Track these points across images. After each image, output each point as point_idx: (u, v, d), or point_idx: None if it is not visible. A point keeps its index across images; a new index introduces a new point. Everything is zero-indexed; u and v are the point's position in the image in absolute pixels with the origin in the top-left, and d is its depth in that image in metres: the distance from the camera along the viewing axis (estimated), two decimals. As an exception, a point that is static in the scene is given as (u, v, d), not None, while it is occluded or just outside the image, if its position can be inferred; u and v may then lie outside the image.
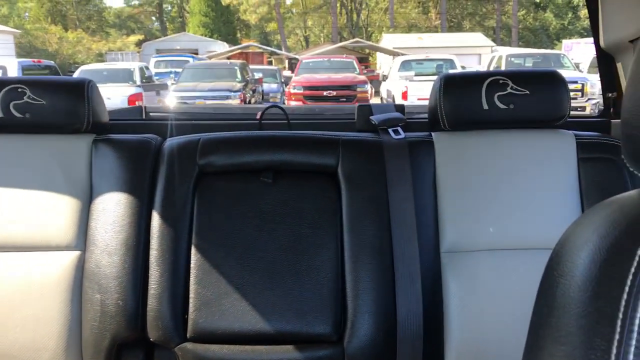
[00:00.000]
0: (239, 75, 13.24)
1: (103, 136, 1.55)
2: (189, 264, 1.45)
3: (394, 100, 12.64)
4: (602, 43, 1.61)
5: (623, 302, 0.45)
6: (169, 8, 41.84)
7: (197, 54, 24.55)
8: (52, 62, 13.01)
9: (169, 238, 1.45)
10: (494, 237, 1.44)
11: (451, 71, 12.89)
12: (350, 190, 1.47)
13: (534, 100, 1.47)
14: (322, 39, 39.20)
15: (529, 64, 13.10)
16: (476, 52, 23.55)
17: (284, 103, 14.05)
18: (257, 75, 14.80)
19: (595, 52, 1.70)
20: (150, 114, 3.47)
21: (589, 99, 10.29)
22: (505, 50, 14.93)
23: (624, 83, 1.64)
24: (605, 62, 1.69)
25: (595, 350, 0.46)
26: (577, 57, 15.87)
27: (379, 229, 1.44)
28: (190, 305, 1.43)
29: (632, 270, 0.45)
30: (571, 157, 1.48)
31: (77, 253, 1.45)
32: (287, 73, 18.72)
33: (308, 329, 1.41)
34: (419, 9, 37.09)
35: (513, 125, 1.51)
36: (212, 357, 1.40)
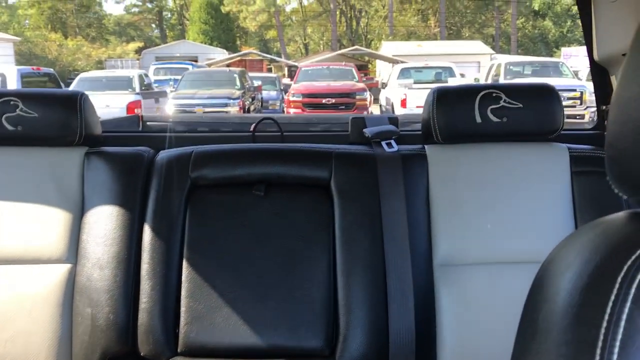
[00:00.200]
0: (238, 83, 13.25)
1: (95, 149, 1.55)
2: (181, 278, 1.44)
3: (392, 108, 12.66)
4: (596, 56, 1.61)
5: (603, 330, 0.44)
6: (169, 15, 41.98)
7: (196, 61, 24.59)
8: (52, 69, 13.02)
9: (160, 251, 1.44)
10: (486, 251, 1.43)
11: (450, 79, 12.89)
12: (342, 203, 1.47)
13: (527, 113, 1.46)
14: (321, 46, 39.32)
15: (527, 72, 13.12)
16: (475, 59, 23.60)
17: (283, 111, 14.06)
18: (257, 83, 14.82)
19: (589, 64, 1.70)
20: (147, 122, 3.48)
21: (587, 107, 10.30)
22: (504, 58, 14.95)
23: None
24: (599, 75, 1.69)
25: None
26: (576, 65, 15.90)
27: (372, 242, 1.43)
28: (182, 319, 1.42)
29: (612, 297, 0.45)
30: (564, 170, 1.48)
31: (68, 266, 1.44)
32: (286, 81, 18.75)
33: (300, 343, 1.40)
34: (418, 17, 37.21)
35: (506, 138, 1.51)
36: None
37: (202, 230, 1.47)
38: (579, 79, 12.45)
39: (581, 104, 10.38)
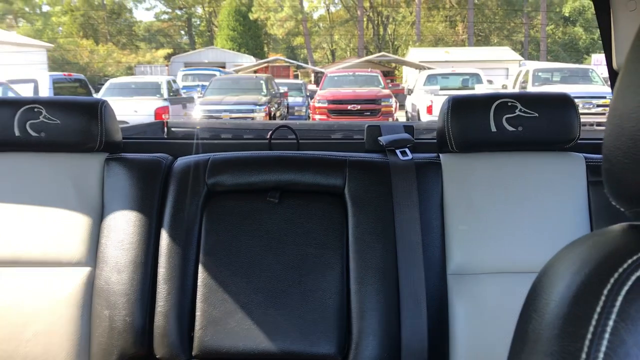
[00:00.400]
0: (264, 89, 13.35)
1: (115, 155, 1.58)
2: (196, 282, 1.47)
3: (418, 115, 12.61)
4: (614, 65, 1.59)
5: (587, 342, 0.44)
6: (198, 22, 42.49)
7: (224, 67, 24.83)
8: (82, 75, 13.30)
9: (176, 256, 1.47)
10: (501, 261, 1.42)
11: (477, 85, 12.72)
12: (356, 211, 1.47)
13: (543, 122, 1.45)
14: (348, 52, 39.36)
15: (556, 79, 12.95)
16: (503, 66, 23.36)
17: (308, 117, 14.12)
18: (283, 89, 14.91)
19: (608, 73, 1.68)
20: (172, 128, 3.55)
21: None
22: (532, 65, 14.78)
23: None
24: None
25: None
26: (606, 72, 15.62)
27: (385, 250, 1.44)
28: (197, 323, 1.44)
29: (598, 309, 0.45)
30: (581, 180, 1.46)
31: (87, 269, 1.48)
32: (312, 87, 18.82)
33: (312, 349, 1.41)
34: (446, 23, 37.03)
35: (522, 147, 1.50)
36: None
37: (218, 235, 1.49)
38: (609, 85, 12.23)
39: (611, 111, 10.17)
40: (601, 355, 0.44)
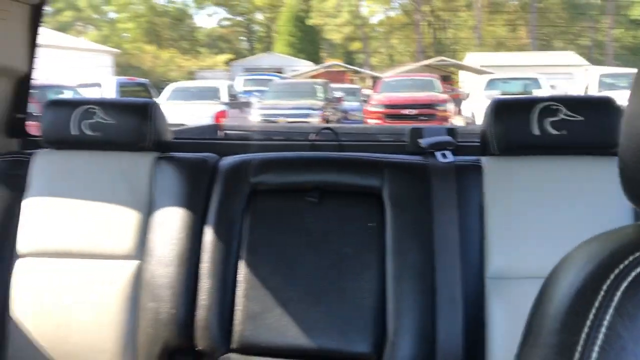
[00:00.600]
0: (320, 94, 13.45)
1: (165, 154, 1.65)
2: (237, 278, 1.51)
3: (476, 120, 12.40)
4: None
5: (583, 335, 0.45)
6: (257, 28, 43.21)
7: (281, 72, 25.16)
8: (146, 79, 13.78)
9: (219, 252, 1.51)
10: (542, 265, 1.40)
11: (538, 90, 12.40)
12: (394, 212, 1.48)
13: (587, 126, 1.42)
14: (406, 57, 39.12)
15: (623, 84, 12.47)
16: (568, 71, 22.66)
17: (363, 121, 14.11)
18: (339, 94, 14.97)
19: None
20: (226, 131, 3.65)
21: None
22: (598, 70, 14.29)
23: None
24: None
25: None
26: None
27: (422, 251, 1.44)
28: (237, 317, 1.48)
29: (596, 304, 0.46)
30: None
31: (136, 263, 1.54)
32: (367, 91, 18.80)
33: (348, 347, 1.42)
34: (508, 27, 36.24)
35: (566, 151, 1.47)
36: None
37: (259, 233, 1.53)
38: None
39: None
40: (596, 348, 0.44)
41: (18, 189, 1.61)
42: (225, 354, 1.47)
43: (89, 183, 1.61)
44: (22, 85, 1.89)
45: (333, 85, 16.06)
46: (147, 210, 1.58)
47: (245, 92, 17.24)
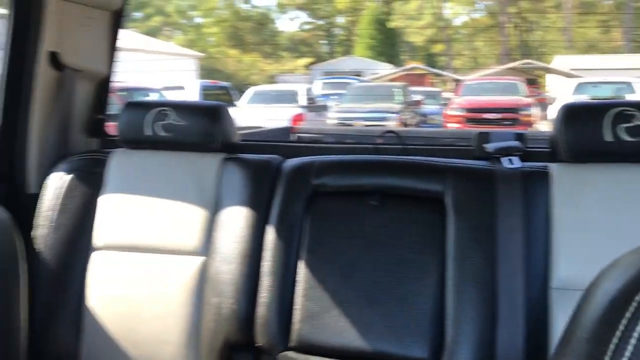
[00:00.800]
0: (398, 97, 13.35)
1: (232, 155, 1.69)
2: (297, 278, 1.52)
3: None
4: None
5: (612, 346, 0.44)
6: (338, 32, 43.48)
7: (360, 75, 25.17)
8: (228, 83, 14.21)
9: (280, 251, 1.53)
10: None
11: (628, 95, 11.72)
12: (456, 218, 1.45)
13: None
14: (491, 60, 38.12)
15: None
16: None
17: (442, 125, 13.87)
18: (418, 97, 14.81)
19: None
20: (298, 134, 3.70)
21: None
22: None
23: None
24: None
25: None
26: None
27: (484, 258, 1.40)
28: (295, 316, 1.50)
29: (628, 314, 0.44)
30: None
31: (201, 259, 1.59)
32: (447, 94, 18.46)
33: (405, 351, 1.40)
34: (601, 29, 34.54)
35: None
36: None
37: (319, 234, 1.54)
38: None
39: None
40: (624, 359, 0.44)
41: (96, 186, 1.69)
42: (283, 352, 1.49)
43: (160, 182, 1.67)
44: (103, 87, 1.99)
45: (413, 88, 15.90)
46: (213, 209, 1.62)
47: (324, 95, 17.40)
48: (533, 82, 23.33)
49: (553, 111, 14.04)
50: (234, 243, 1.56)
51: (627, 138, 1.36)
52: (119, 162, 1.71)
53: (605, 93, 13.29)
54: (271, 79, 28.78)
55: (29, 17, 1.71)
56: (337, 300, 1.47)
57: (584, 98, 11.99)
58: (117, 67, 2.00)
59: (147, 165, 1.70)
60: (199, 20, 38.53)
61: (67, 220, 1.66)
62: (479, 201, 1.45)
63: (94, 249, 1.65)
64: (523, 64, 25.13)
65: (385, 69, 28.27)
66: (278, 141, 2.29)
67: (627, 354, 0.43)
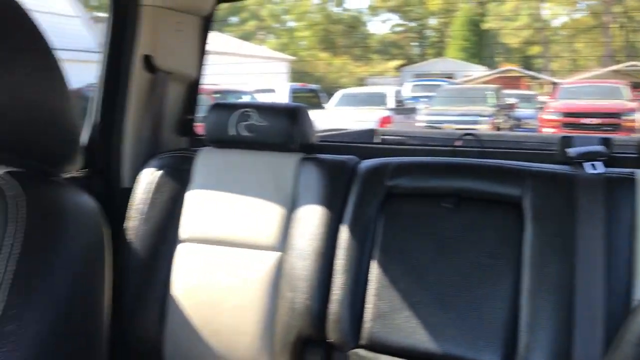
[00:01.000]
0: (491, 100, 13.00)
1: (310, 155, 1.74)
2: (369, 277, 1.54)
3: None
4: None
5: None
6: (430, 33, 42.88)
7: (452, 78, 24.69)
8: (317, 85, 14.42)
9: (353, 250, 1.56)
10: None
11: None
12: (534, 223, 1.41)
13: None
14: (592, 62, 36.21)
15: None
16: None
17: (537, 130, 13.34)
18: (512, 101, 14.34)
19: None
20: (381, 136, 3.72)
21: None
22: None
23: None
24: None
25: None
26: None
27: (562, 266, 1.35)
28: (366, 314, 1.51)
29: None
30: None
31: (278, 254, 1.64)
32: (543, 98, 17.72)
33: (476, 355, 1.38)
34: None
35: None
36: None
37: (393, 235, 1.55)
38: None
39: None
40: None
41: (184, 181, 1.79)
42: (354, 349, 1.51)
43: (242, 179, 1.74)
44: (192, 89, 2.11)
45: (507, 91, 15.41)
46: (291, 207, 1.67)
47: (413, 97, 17.23)
48: (639, 86, 21.94)
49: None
50: (309, 240, 1.60)
51: None
52: (204, 160, 1.80)
53: None
54: (361, 82, 28.83)
55: (126, 22, 1.85)
56: (408, 301, 1.47)
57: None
58: (206, 70, 2.11)
59: (230, 163, 1.78)
60: (291, 24, 39.34)
61: (156, 213, 1.76)
62: (559, 207, 1.41)
63: (180, 241, 1.74)
64: (628, 67, 23.67)
65: (478, 71, 27.56)
66: (355, 142, 2.32)
67: None
